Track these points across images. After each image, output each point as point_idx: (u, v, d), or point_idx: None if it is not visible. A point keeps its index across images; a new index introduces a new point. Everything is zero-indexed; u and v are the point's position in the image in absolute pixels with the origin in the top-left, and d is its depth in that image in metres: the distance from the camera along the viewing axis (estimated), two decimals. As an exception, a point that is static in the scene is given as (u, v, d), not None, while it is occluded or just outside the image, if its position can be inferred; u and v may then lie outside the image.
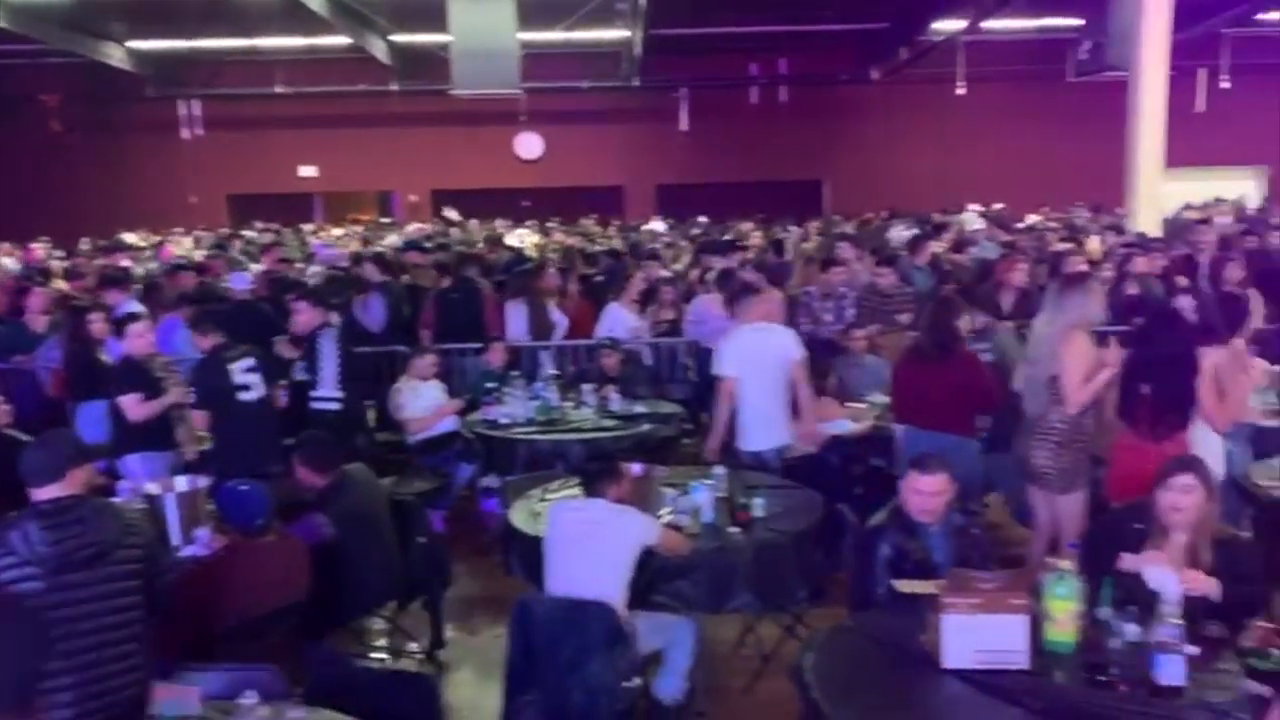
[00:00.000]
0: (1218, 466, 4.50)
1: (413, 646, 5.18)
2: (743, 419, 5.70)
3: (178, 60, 20.61)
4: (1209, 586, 3.39)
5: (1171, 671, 2.97)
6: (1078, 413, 4.82)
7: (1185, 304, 6.42)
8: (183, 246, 16.24)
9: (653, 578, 4.19)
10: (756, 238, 13.58)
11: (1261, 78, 20.53)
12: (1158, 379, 4.77)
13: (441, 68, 14.16)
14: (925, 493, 3.87)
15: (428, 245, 12.08)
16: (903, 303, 7.83)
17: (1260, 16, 17.23)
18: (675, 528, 4.41)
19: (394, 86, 20.36)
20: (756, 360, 5.70)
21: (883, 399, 6.45)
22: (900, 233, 13.16)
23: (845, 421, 6.27)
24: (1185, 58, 16.06)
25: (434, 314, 8.45)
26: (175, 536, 4.28)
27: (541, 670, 3.82)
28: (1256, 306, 6.88)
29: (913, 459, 4.06)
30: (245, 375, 5.93)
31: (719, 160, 21.81)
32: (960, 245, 11.33)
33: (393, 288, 8.80)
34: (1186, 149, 13.53)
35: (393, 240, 15.51)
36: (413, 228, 17.84)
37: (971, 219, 15.13)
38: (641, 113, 21.96)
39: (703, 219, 17.53)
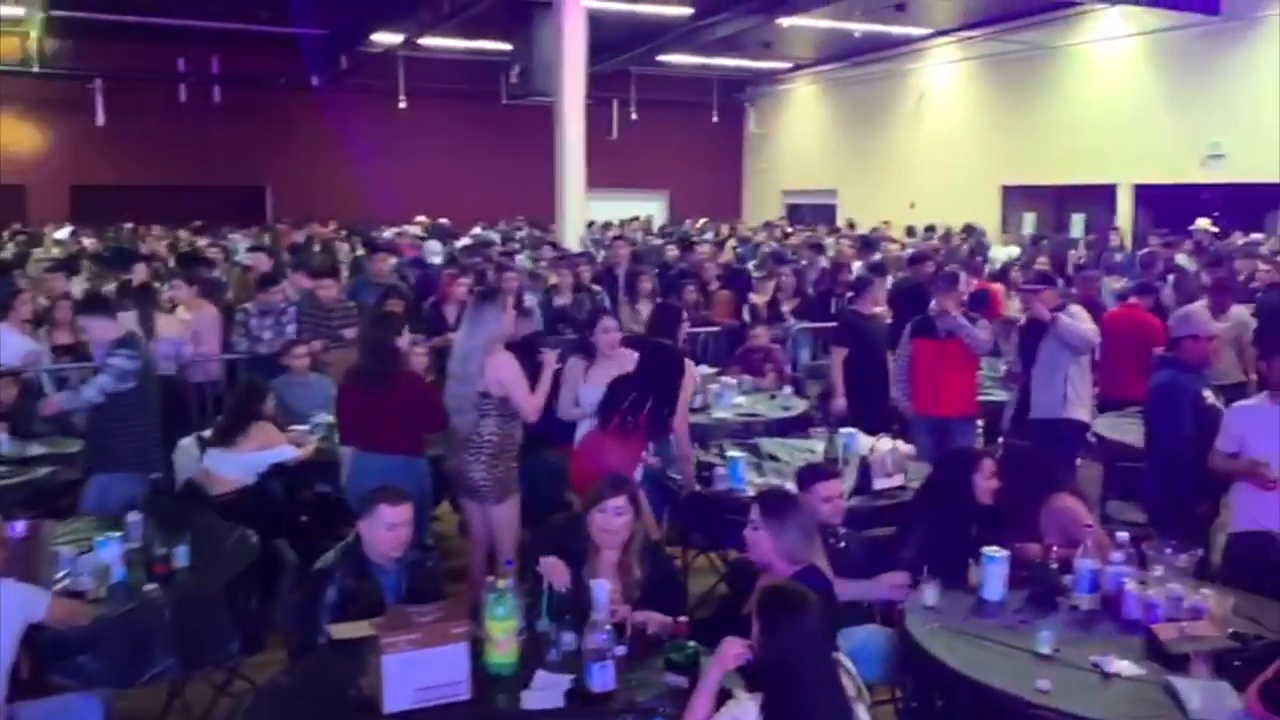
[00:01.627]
0: None
1: None
2: None
3: None
4: (625, 613, 3.47)
5: (602, 679, 3.06)
6: (510, 423, 4.94)
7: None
8: None
9: (45, 657, 3.51)
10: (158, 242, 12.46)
11: (663, 112, 23.42)
12: (634, 382, 5.08)
13: None
14: (399, 523, 3.75)
15: None
16: (347, 317, 7.59)
17: (660, 58, 19.52)
18: (74, 594, 3.74)
19: None
20: None
21: (328, 419, 6.15)
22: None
23: (288, 448, 5.85)
24: (601, 90, 17.77)
25: None
26: None
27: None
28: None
29: (374, 493, 3.85)
30: None
31: (147, 161, 19.84)
32: (415, 260, 11.36)
33: None
34: (604, 173, 14.92)
35: None
36: None
37: (418, 232, 15.29)
38: (49, 103, 19.22)
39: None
